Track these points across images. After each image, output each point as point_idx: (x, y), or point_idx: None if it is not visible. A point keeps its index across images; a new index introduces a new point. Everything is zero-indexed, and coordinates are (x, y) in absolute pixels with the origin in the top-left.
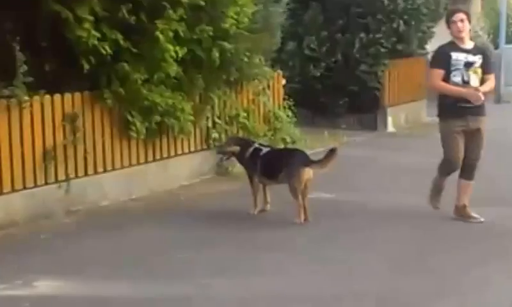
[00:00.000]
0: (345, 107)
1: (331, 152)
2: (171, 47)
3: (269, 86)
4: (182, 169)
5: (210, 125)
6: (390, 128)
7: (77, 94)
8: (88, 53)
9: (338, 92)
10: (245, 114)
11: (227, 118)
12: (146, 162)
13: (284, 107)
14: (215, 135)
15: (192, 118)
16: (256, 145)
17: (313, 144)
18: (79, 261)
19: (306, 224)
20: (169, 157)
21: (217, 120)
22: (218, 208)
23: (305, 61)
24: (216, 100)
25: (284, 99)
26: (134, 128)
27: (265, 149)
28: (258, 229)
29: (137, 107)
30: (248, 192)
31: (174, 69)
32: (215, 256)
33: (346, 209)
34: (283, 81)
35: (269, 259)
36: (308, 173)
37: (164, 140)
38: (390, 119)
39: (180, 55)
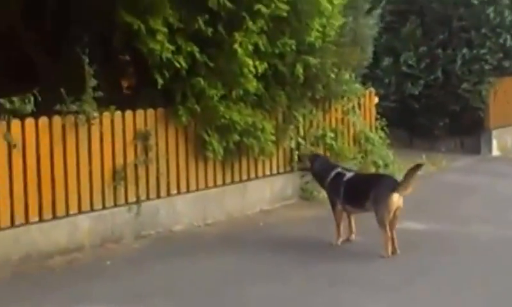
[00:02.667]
0: (445, 128)
1: (412, 170)
2: (250, 61)
3: (360, 105)
4: (262, 193)
5: (293, 145)
6: (495, 152)
7: (150, 111)
8: (161, 67)
9: (437, 112)
10: (332, 135)
11: (312, 139)
12: (224, 184)
13: (376, 128)
14: (300, 153)
15: (273, 138)
16: (339, 169)
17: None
18: (144, 290)
19: (393, 258)
20: (248, 179)
21: (301, 141)
22: (298, 236)
23: (402, 78)
24: (301, 119)
25: (376, 119)
26: (210, 148)
27: (348, 174)
28: (339, 261)
29: (213, 125)
30: (333, 220)
31: (253, 85)
32: (289, 291)
33: (439, 242)
34: (376, 99)
35: (347, 297)
36: (397, 200)
37: (244, 161)
38: (494, 142)
39: (259, 70)
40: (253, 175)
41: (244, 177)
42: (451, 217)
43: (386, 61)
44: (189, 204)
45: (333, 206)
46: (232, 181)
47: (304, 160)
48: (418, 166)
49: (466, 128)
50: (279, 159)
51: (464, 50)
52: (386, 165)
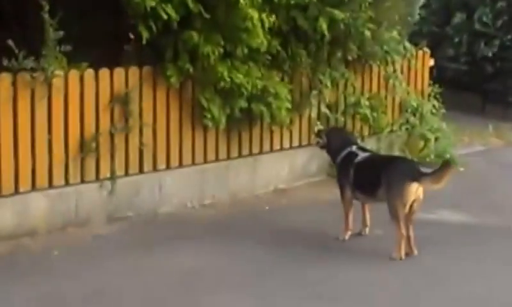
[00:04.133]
0: None
1: (446, 166)
2: (254, 14)
3: (409, 68)
4: (278, 169)
5: (314, 115)
6: None
7: (133, 70)
8: (146, 18)
9: None
10: (367, 103)
11: (343, 107)
12: (228, 158)
13: (429, 95)
14: (319, 127)
15: (288, 105)
16: (353, 148)
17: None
18: (71, 295)
19: (409, 260)
20: (261, 152)
21: (324, 109)
22: (306, 226)
23: (475, 37)
24: (328, 84)
25: (430, 84)
26: (209, 115)
27: (362, 154)
28: (341, 262)
29: (213, 88)
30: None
31: (260, 41)
32: (264, 302)
33: (476, 240)
34: (431, 62)
35: None
36: (415, 190)
37: (256, 131)
38: None
39: (267, 23)
40: (267, 148)
41: (256, 150)
42: (502, 207)
43: (458, 17)
44: (181, 181)
45: (342, 191)
46: (239, 155)
47: (321, 135)
48: (450, 164)
49: None
50: (302, 129)
51: None
52: (436, 139)
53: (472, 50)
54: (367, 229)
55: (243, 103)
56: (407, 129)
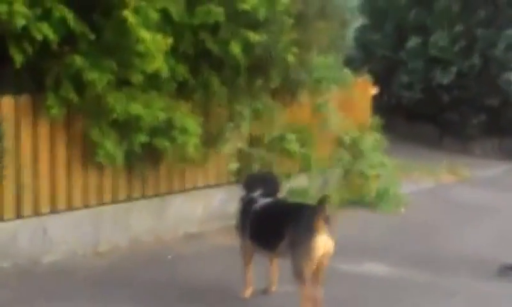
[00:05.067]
0: (480, 127)
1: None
2: (146, 35)
3: (348, 98)
4: (190, 211)
5: (230, 151)
6: None
7: (7, 99)
8: (19, 38)
9: (472, 107)
10: (293, 137)
11: (266, 141)
12: (130, 199)
13: (371, 129)
14: (233, 166)
15: (196, 139)
16: (256, 193)
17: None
18: None
19: None
20: (170, 192)
21: (241, 145)
22: (207, 279)
23: (431, 63)
24: (248, 115)
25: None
26: (102, 151)
27: (262, 201)
28: None
29: (106, 121)
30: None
31: (156, 67)
32: None
33: (395, 296)
34: (373, 91)
35: None
36: (324, 243)
37: (164, 169)
38: None
39: (162, 46)
40: (177, 187)
41: (163, 189)
42: (438, 257)
43: (413, 41)
44: (70, 226)
45: (240, 241)
46: (143, 196)
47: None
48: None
49: (506, 128)
50: (220, 166)
51: (511, 31)
52: (377, 177)
53: (428, 77)
54: (274, 287)
55: (143, 138)
56: (344, 166)
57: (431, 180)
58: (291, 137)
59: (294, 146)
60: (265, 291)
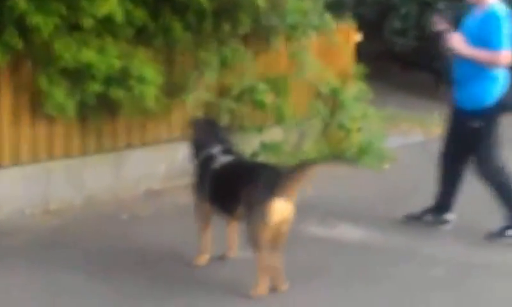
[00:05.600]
0: None
1: (303, 166)
2: None
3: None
4: (152, 167)
5: (193, 102)
6: None
7: None
8: None
9: None
10: (265, 87)
11: (237, 92)
12: (85, 153)
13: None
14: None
15: (155, 89)
16: (215, 149)
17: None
18: None
19: (273, 298)
20: (129, 147)
21: (205, 95)
22: (161, 244)
23: (424, 7)
24: (215, 63)
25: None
26: (51, 102)
27: (222, 159)
28: (184, 298)
29: (56, 69)
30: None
31: (107, 10)
32: None
33: (369, 266)
34: (357, 37)
35: None
36: (283, 208)
37: (123, 121)
38: None
39: None
40: (137, 141)
41: (122, 144)
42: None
43: None
44: (17, 182)
45: (196, 204)
46: (99, 150)
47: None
48: (309, 164)
49: None
50: (185, 119)
51: None
52: (359, 130)
53: (421, 23)
54: (232, 252)
55: (97, 87)
56: (322, 118)
57: (421, 132)
58: (263, 87)
59: (266, 97)
60: (222, 258)
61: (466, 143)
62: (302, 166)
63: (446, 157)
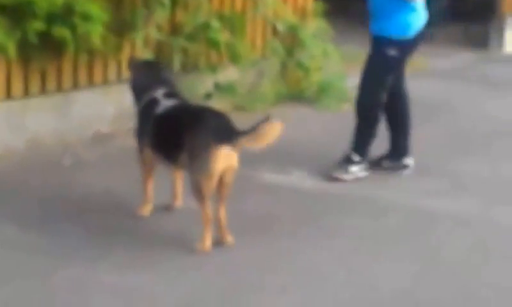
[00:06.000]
0: (445, 13)
1: (265, 122)
2: None
3: None
4: (100, 109)
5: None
6: (509, 47)
7: None
8: None
9: None
10: (218, 25)
11: (190, 30)
12: (27, 95)
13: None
14: (147, 58)
15: (100, 27)
16: (158, 93)
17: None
18: None
19: (218, 252)
20: (76, 88)
21: (154, 33)
22: (104, 192)
23: None
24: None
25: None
26: None
27: (165, 103)
28: (123, 253)
29: None
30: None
31: None
32: None
33: (329, 212)
34: None
35: None
36: (226, 156)
37: (68, 61)
38: (509, 35)
39: None
40: (84, 82)
41: (67, 85)
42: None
43: None
44: None
45: (138, 151)
46: (43, 92)
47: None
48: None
49: (473, 13)
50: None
51: None
52: (318, 69)
53: None
54: (178, 202)
55: (39, 26)
56: (280, 57)
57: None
58: (216, 24)
59: (218, 35)
60: (167, 208)
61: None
62: (264, 120)
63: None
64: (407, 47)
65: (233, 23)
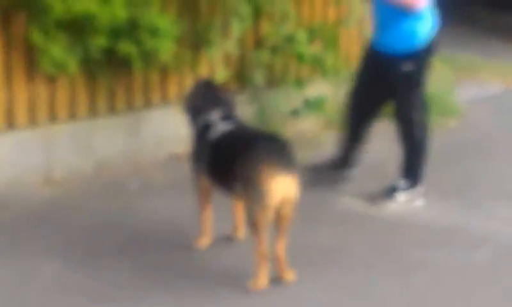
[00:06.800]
0: None
1: None
2: None
3: None
4: (173, 128)
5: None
6: None
7: None
8: None
9: None
10: (306, 36)
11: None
12: (95, 115)
13: None
14: (221, 74)
15: (169, 43)
16: (213, 116)
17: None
18: None
19: (276, 290)
20: (147, 106)
21: (231, 47)
22: (167, 221)
23: None
24: (243, 9)
25: None
26: (46, 58)
27: (222, 127)
28: (174, 290)
29: (52, 21)
30: None
31: None
32: None
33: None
34: None
35: None
36: (283, 186)
37: (139, 78)
38: None
39: None
40: (156, 100)
41: (139, 103)
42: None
43: None
44: (15, 149)
45: (194, 179)
46: (112, 111)
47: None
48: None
49: None
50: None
51: None
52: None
53: None
54: (240, 233)
55: (101, 41)
56: None
57: (503, 81)
58: (302, 36)
59: (306, 48)
60: (229, 239)
61: (390, 90)
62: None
63: (357, 107)
64: (420, 58)
65: (325, 35)
